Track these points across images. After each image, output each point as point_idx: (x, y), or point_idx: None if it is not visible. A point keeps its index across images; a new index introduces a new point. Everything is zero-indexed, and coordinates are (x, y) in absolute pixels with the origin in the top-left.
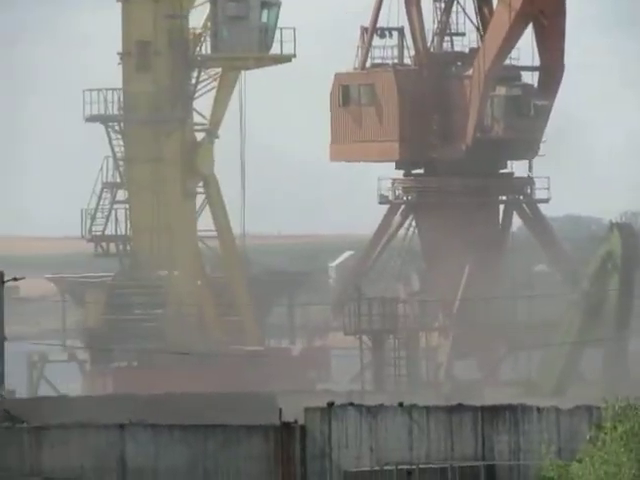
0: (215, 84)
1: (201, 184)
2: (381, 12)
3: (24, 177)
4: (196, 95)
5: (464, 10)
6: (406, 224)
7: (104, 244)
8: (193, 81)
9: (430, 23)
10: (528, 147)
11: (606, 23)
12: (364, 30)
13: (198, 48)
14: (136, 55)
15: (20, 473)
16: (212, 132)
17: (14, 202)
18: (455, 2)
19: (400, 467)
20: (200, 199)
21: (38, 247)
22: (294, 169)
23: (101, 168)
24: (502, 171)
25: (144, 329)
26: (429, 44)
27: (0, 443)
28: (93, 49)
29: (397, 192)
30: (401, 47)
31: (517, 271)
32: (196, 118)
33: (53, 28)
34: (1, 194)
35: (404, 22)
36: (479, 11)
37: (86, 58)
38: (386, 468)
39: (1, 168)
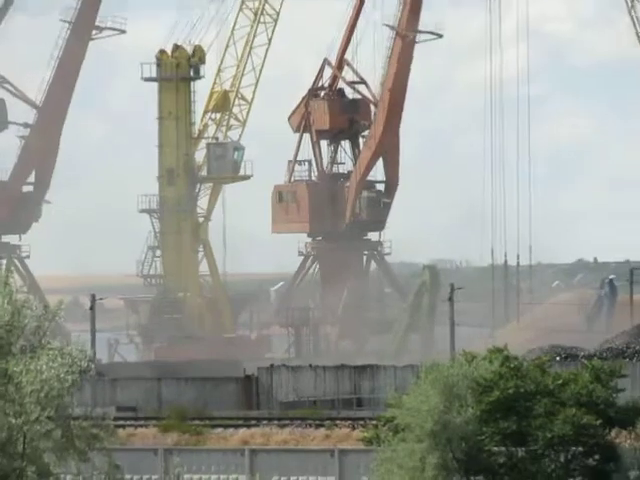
0: (209, 192)
1: (201, 246)
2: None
3: (103, 242)
4: (199, 198)
5: (344, 150)
6: (313, 267)
7: (149, 279)
8: (197, 190)
9: (326, 157)
10: (379, 225)
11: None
12: (290, 161)
13: (200, 172)
14: (166, 176)
15: (103, 404)
16: (207, 217)
17: (97, 257)
18: (339, 146)
19: (310, 399)
20: (201, 255)
21: (111, 280)
22: (251, 238)
23: (147, 238)
24: (365, 238)
25: (171, 325)
26: (325, 168)
27: (92, 388)
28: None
29: (308, 249)
30: (310, 170)
31: (372, 292)
32: (199, 210)
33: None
34: (93, 252)
35: (311, 156)
36: (353, 150)
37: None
38: (302, 399)
39: (83, 237)
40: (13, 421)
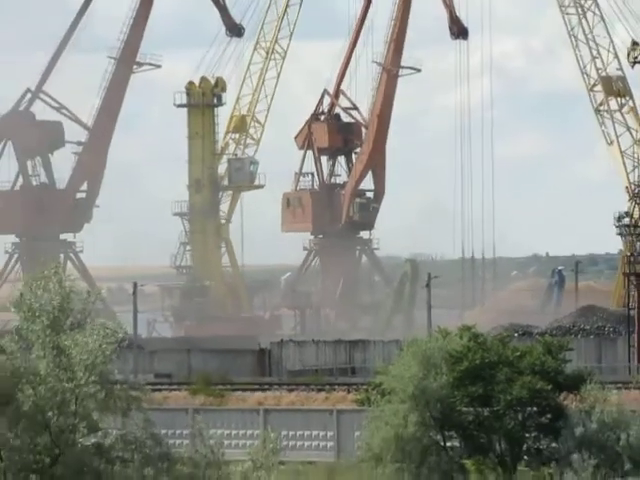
0: (229, 198)
1: (223, 243)
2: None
3: (143, 239)
4: (221, 203)
5: (340, 164)
6: (315, 260)
7: (181, 269)
8: (220, 197)
9: (325, 169)
10: (369, 225)
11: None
12: (296, 173)
13: (222, 182)
14: (194, 185)
15: (143, 372)
16: (228, 219)
17: (138, 251)
18: (336, 161)
19: (312, 368)
20: (223, 250)
21: (150, 269)
22: (264, 236)
23: (179, 236)
24: (357, 236)
25: (198, 307)
26: (325, 179)
27: (134, 358)
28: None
29: (311, 245)
30: (312, 181)
31: (363, 280)
32: (221, 213)
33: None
34: (135, 247)
35: (313, 169)
36: (347, 164)
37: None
38: (307, 368)
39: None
40: (66, 385)
